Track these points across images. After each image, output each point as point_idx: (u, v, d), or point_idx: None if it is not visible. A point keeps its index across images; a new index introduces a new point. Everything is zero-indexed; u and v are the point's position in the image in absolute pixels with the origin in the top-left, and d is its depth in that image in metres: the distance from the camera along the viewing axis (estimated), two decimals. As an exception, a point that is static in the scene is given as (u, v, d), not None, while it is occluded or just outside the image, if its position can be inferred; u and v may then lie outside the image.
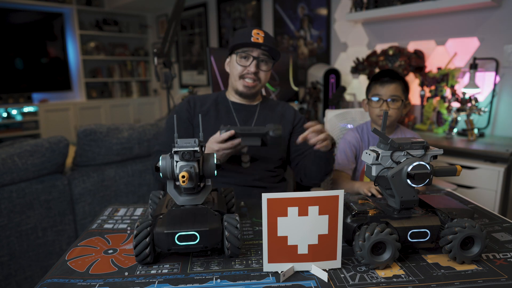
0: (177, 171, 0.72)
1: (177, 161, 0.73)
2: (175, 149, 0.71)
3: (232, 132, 1.02)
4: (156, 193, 0.90)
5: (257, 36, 1.18)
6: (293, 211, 0.64)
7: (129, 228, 0.90)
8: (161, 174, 0.74)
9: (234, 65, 1.23)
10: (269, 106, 1.34)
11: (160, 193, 0.91)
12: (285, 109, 1.35)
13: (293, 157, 1.32)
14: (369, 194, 1.18)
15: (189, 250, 0.70)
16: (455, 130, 2.18)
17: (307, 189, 1.89)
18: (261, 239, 0.80)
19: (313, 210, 0.65)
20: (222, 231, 0.71)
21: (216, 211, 0.75)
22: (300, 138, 1.04)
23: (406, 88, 1.41)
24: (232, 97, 1.32)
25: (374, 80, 1.42)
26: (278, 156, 1.29)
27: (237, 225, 0.71)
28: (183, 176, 0.67)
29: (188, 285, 0.64)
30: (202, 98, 1.33)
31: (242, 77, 1.23)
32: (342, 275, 0.66)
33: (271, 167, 1.28)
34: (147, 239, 0.68)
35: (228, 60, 1.30)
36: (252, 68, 1.20)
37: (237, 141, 1.02)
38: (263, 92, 2.14)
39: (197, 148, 0.72)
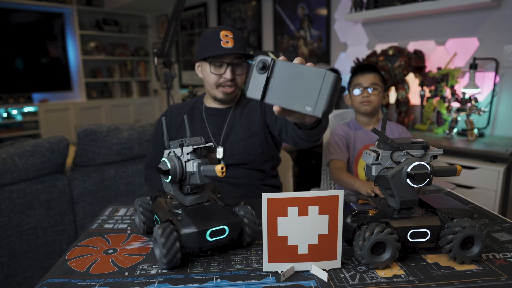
0: (193, 168, 0.73)
1: (188, 160, 0.73)
2: (194, 147, 0.72)
3: None
4: (143, 199, 0.85)
5: (226, 39, 1.12)
6: (293, 211, 0.64)
7: (129, 228, 0.90)
8: (169, 177, 0.72)
9: (208, 74, 1.18)
10: (241, 106, 1.28)
11: (147, 199, 0.86)
12: (252, 102, 1.29)
13: (279, 132, 1.20)
14: (372, 194, 1.19)
15: (218, 245, 0.72)
16: (455, 130, 2.19)
17: (307, 188, 1.89)
18: (261, 239, 0.80)
19: (313, 210, 0.65)
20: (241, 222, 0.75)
21: (226, 205, 0.78)
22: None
23: (383, 79, 1.52)
24: (209, 102, 1.29)
25: (354, 73, 1.53)
26: (256, 154, 1.23)
27: (252, 212, 0.77)
28: (222, 168, 0.68)
29: (188, 285, 0.64)
30: (179, 108, 1.31)
31: (219, 86, 1.19)
32: (342, 275, 0.66)
33: (255, 167, 1.24)
34: (177, 244, 0.67)
35: (198, 64, 1.24)
36: (228, 75, 1.16)
37: None
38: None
39: (211, 144, 0.74)
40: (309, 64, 0.64)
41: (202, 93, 1.36)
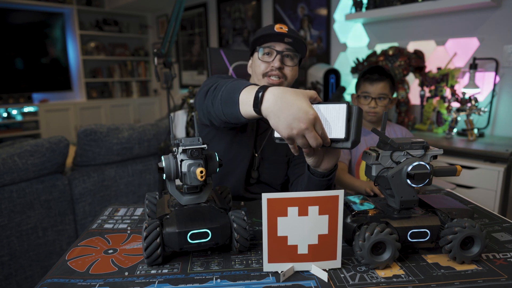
0: (184, 169, 0.73)
1: (182, 160, 0.73)
2: (183, 147, 0.72)
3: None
4: (152, 194, 0.89)
5: (280, 30, 1.07)
6: (293, 211, 0.64)
7: (129, 228, 0.90)
8: (164, 175, 0.73)
9: (257, 63, 1.10)
10: None
11: (156, 194, 0.90)
12: None
13: (291, 173, 1.19)
14: (371, 194, 1.19)
15: (200, 248, 0.71)
16: (455, 130, 2.19)
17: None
18: (261, 239, 0.80)
19: (313, 210, 0.65)
20: (231, 227, 0.73)
21: (220, 208, 0.76)
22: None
23: (393, 85, 1.47)
24: None
25: (364, 77, 1.47)
26: (282, 180, 1.21)
27: (244, 218, 0.73)
28: (201, 172, 0.68)
29: (188, 285, 0.64)
30: None
31: (265, 75, 1.09)
32: (342, 275, 0.66)
33: (277, 185, 1.21)
34: (158, 240, 0.68)
35: (250, 62, 1.18)
36: (276, 63, 1.06)
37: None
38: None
39: (205, 146, 0.73)
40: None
41: None
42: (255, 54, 1.12)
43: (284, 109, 0.66)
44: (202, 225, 0.69)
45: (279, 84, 1.08)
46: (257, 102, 0.70)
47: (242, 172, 1.15)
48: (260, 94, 0.70)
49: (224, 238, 0.72)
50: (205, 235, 0.70)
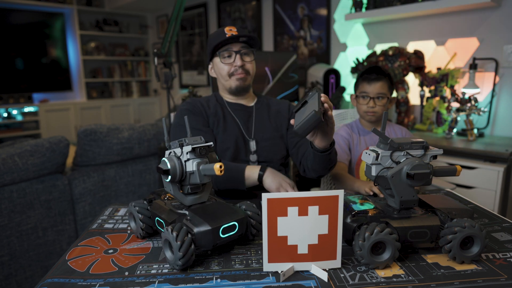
0: (190, 168, 0.73)
1: (188, 159, 0.73)
2: (193, 146, 0.72)
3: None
4: (140, 203, 0.83)
5: (230, 32, 1.20)
6: (293, 211, 0.65)
7: (129, 228, 0.90)
8: (169, 177, 0.72)
9: (220, 66, 1.24)
10: (265, 105, 1.34)
11: (143, 202, 0.84)
12: (280, 105, 1.36)
13: (292, 152, 1.31)
14: (371, 193, 1.19)
15: (229, 240, 0.74)
16: (454, 130, 2.19)
17: (307, 188, 1.88)
18: (261, 239, 0.81)
19: (313, 210, 0.65)
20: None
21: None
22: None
23: (391, 85, 1.47)
24: (229, 98, 1.32)
25: (362, 77, 1.47)
26: (281, 155, 1.31)
27: (253, 205, 0.79)
28: (220, 166, 0.68)
29: (188, 285, 0.64)
30: (203, 101, 1.32)
31: (231, 75, 1.24)
32: (342, 275, 0.66)
33: (275, 166, 1.29)
34: (192, 246, 0.67)
35: (210, 66, 1.31)
36: (238, 62, 1.21)
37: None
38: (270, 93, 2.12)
39: (211, 143, 0.75)
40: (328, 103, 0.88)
41: (216, 92, 1.37)
42: (216, 59, 1.26)
43: (277, 176, 1.14)
44: (229, 218, 0.72)
45: (245, 79, 1.26)
46: (261, 176, 1.14)
47: (235, 159, 1.26)
48: (261, 173, 1.14)
49: (245, 228, 0.76)
50: (233, 228, 0.73)
